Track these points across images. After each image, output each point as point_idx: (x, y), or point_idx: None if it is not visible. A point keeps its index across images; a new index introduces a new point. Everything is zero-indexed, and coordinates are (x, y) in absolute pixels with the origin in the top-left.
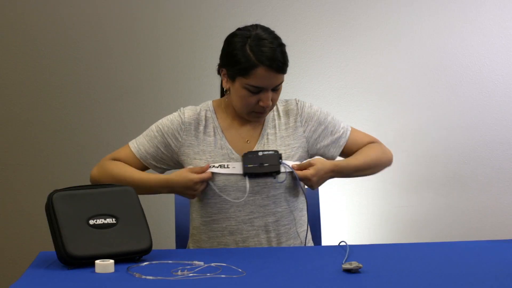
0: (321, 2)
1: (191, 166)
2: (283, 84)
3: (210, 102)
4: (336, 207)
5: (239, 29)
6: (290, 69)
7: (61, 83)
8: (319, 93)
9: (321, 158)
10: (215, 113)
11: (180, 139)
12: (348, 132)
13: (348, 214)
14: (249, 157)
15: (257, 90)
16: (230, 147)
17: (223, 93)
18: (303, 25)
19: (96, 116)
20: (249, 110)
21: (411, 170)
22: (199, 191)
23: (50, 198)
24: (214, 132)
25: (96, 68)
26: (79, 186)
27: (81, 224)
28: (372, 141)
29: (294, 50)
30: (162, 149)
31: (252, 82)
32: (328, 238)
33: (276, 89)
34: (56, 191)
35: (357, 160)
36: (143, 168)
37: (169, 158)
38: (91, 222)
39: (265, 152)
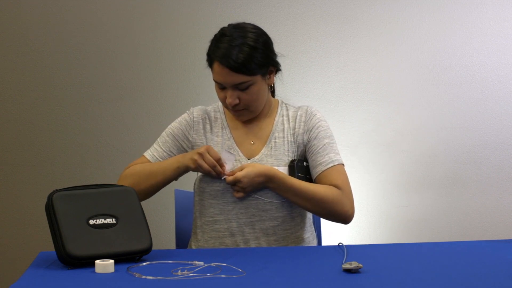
0: (321, 2)
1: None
2: (281, 84)
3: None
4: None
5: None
6: (289, 70)
7: (61, 83)
8: (319, 93)
9: (257, 163)
10: (224, 113)
11: (190, 139)
12: (331, 166)
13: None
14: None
15: (220, 86)
16: (237, 148)
17: None
18: (303, 25)
19: (96, 116)
20: (225, 107)
21: (411, 170)
22: (204, 165)
23: (50, 198)
24: (222, 132)
25: (96, 68)
26: (79, 186)
27: (81, 224)
28: (340, 187)
29: (294, 50)
30: (175, 153)
31: (214, 76)
32: (329, 238)
33: (241, 88)
34: (56, 191)
35: (299, 183)
36: None
37: None
38: (91, 222)
39: None
